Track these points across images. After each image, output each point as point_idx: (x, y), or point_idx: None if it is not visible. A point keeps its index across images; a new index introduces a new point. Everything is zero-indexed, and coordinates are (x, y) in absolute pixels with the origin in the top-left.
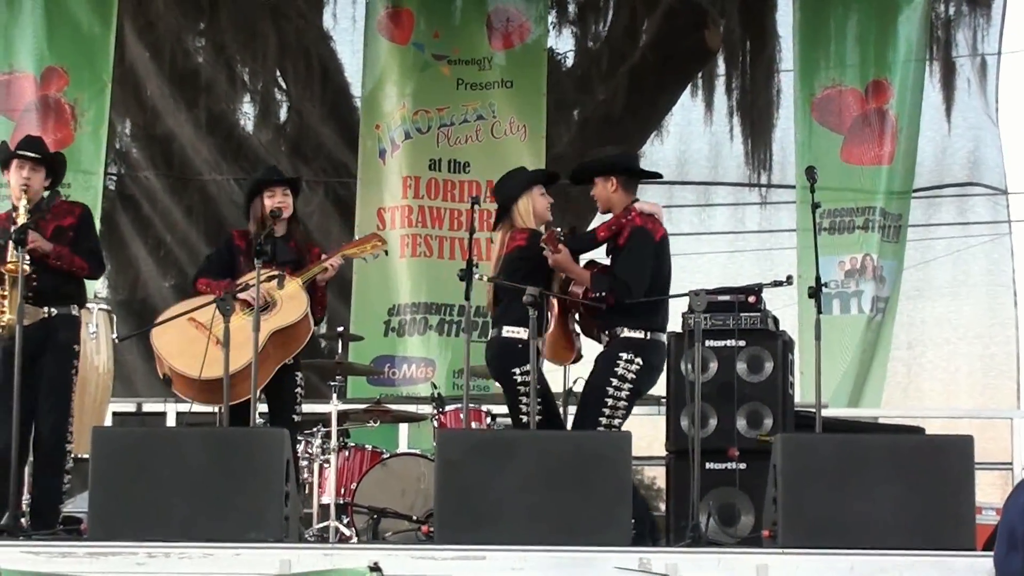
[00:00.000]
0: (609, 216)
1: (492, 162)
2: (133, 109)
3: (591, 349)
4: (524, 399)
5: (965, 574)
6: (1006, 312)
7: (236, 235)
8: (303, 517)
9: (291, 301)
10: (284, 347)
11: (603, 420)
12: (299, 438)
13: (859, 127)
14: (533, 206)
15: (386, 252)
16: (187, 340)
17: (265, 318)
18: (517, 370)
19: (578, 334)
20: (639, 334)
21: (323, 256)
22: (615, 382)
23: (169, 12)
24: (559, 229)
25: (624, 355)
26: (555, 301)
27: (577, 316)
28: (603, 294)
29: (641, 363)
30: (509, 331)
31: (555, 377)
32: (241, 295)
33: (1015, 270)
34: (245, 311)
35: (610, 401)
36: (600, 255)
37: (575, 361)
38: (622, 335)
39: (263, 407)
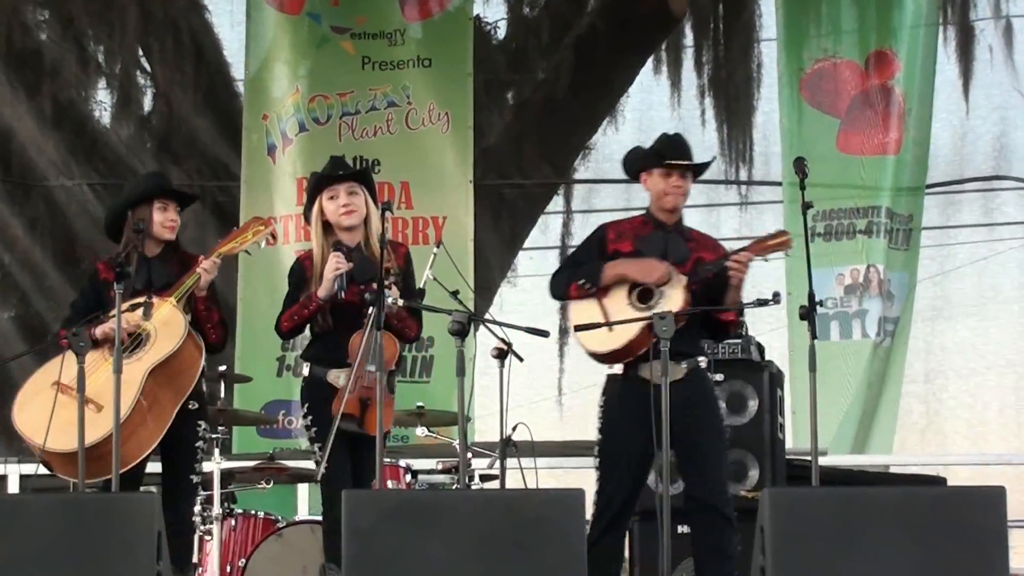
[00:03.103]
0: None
1: (407, 158)
2: None
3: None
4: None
5: None
6: None
7: (101, 268)
8: None
9: (166, 327)
10: (173, 384)
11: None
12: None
13: (859, 109)
14: (323, 213)
15: (274, 236)
16: (52, 409)
17: (138, 356)
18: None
19: None
20: (705, 364)
21: (198, 260)
22: (723, 424)
23: None
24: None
25: (715, 390)
26: None
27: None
28: (743, 318)
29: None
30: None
31: (491, 424)
32: (100, 329)
33: None
34: (108, 358)
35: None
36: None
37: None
38: (703, 365)
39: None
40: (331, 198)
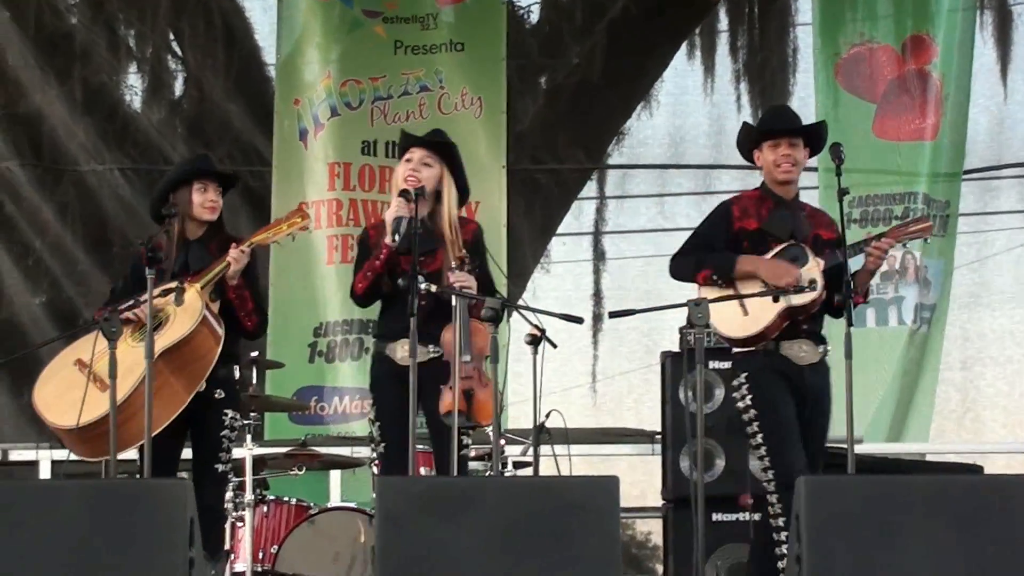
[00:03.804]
0: (782, 188)
1: None
2: None
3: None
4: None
5: None
6: None
7: (144, 252)
8: None
9: (183, 313)
10: (187, 370)
11: None
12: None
13: (895, 94)
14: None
15: (307, 229)
16: (66, 386)
17: (154, 339)
18: None
19: None
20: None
21: (232, 247)
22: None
23: None
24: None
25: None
26: None
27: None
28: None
29: None
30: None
31: (524, 410)
32: (129, 313)
33: None
34: (136, 335)
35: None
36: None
37: None
38: (830, 350)
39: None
40: (406, 161)
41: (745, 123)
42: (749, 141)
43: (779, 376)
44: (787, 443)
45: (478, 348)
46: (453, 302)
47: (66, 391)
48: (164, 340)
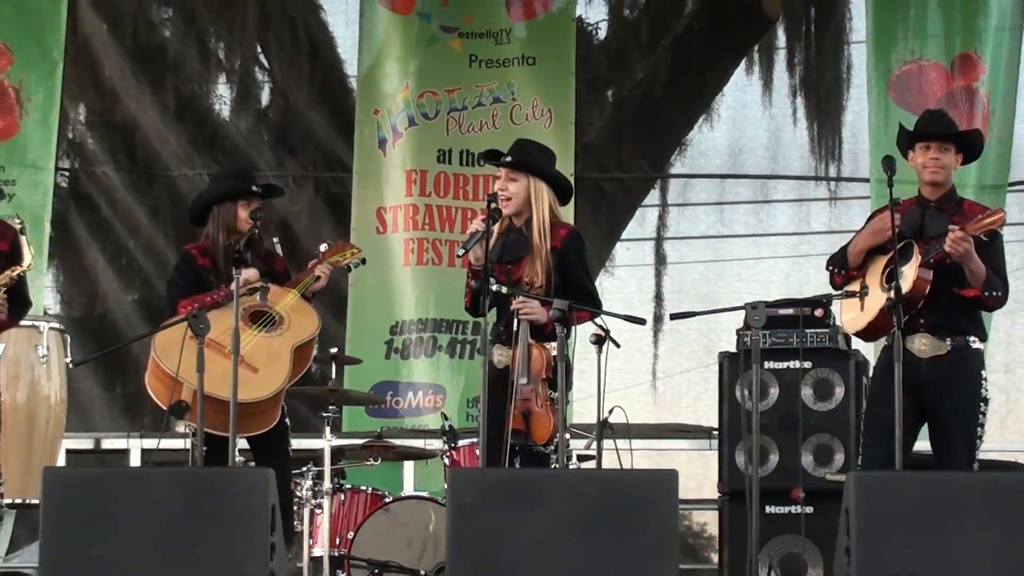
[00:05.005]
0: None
1: None
2: (88, 92)
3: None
4: None
5: None
6: None
7: (196, 254)
8: (292, 573)
9: (300, 315)
10: (293, 369)
11: (977, 455)
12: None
13: (944, 109)
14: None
15: (363, 261)
16: (210, 361)
17: (279, 333)
18: None
19: None
20: (982, 346)
21: (311, 264)
22: (983, 407)
23: None
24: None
25: (983, 372)
26: None
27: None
28: (996, 294)
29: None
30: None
31: (588, 406)
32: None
33: None
34: (252, 326)
35: (979, 431)
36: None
37: None
38: (974, 346)
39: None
40: (497, 178)
41: (901, 126)
42: (905, 143)
43: (891, 373)
44: (869, 438)
45: (535, 371)
46: (514, 326)
47: (211, 364)
48: (295, 337)
